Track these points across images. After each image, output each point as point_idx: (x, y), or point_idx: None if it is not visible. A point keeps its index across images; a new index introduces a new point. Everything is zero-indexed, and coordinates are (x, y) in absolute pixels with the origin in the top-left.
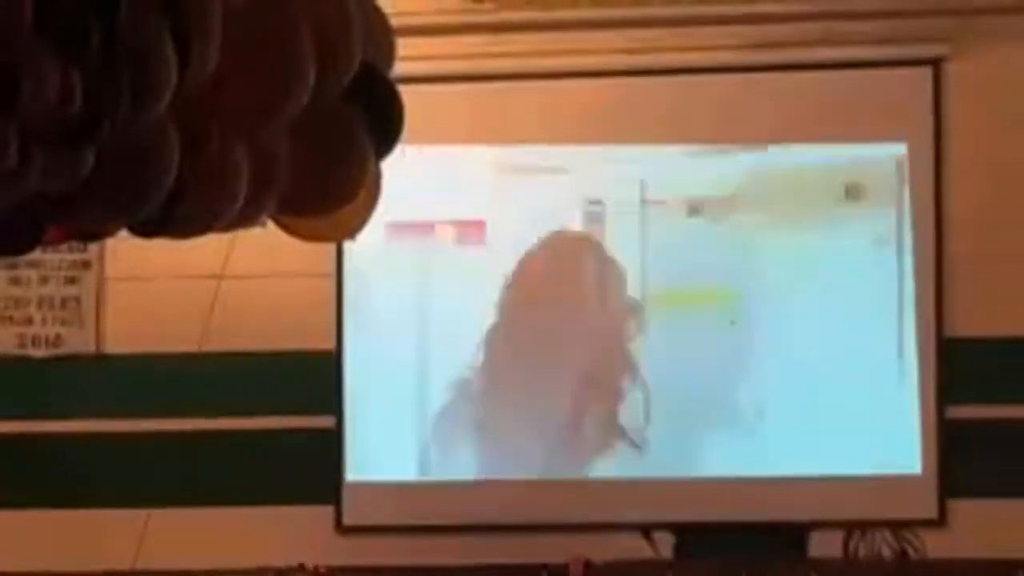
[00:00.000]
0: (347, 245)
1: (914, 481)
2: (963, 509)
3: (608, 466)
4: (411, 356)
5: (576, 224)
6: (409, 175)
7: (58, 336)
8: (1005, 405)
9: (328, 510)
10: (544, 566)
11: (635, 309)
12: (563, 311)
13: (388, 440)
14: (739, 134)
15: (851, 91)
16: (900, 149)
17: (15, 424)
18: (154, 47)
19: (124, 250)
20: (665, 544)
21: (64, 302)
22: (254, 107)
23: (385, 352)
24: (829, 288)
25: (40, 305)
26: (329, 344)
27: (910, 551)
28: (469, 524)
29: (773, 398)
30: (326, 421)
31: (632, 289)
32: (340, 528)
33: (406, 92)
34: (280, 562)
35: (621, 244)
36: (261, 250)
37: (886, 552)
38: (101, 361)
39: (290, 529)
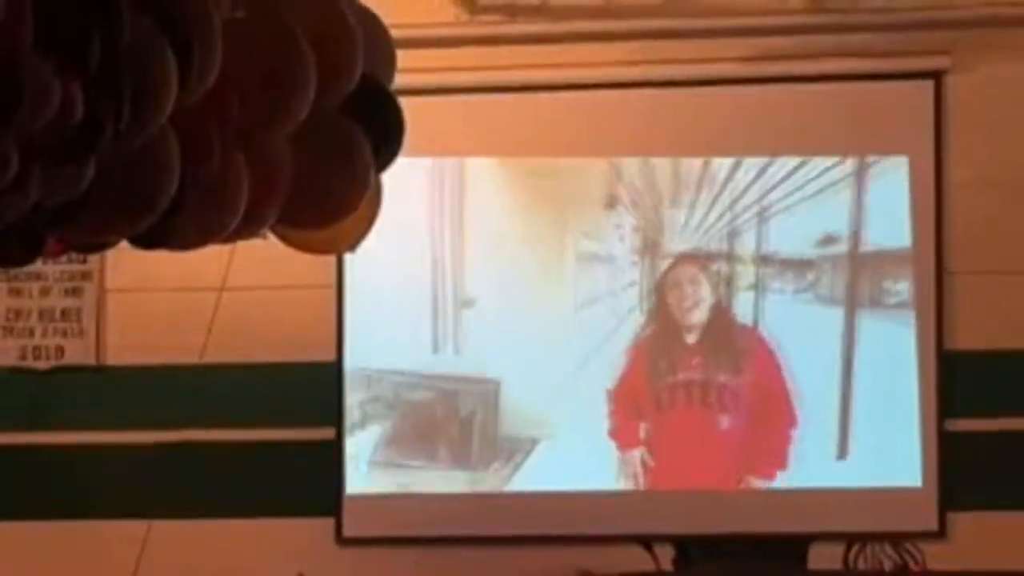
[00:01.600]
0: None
1: (914, 493)
2: (963, 521)
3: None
4: None
5: None
6: None
7: (59, 348)
8: (1005, 418)
9: (329, 522)
10: None
11: None
12: None
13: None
14: (741, 146)
15: (853, 104)
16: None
17: (16, 435)
18: (155, 60)
19: (125, 262)
20: (666, 556)
21: (65, 314)
22: (255, 119)
23: None
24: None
25: (41, 317)
26: (329, 355)
27: (910, 563)
28: (470, 536)
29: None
30: (327, 433)
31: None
32: (341, 540)
33: (407, 104)
34: (281, 574)
35: None
36: (262, 262)
37: (887, 564)
38: (102, 373)
39: (291, 541)
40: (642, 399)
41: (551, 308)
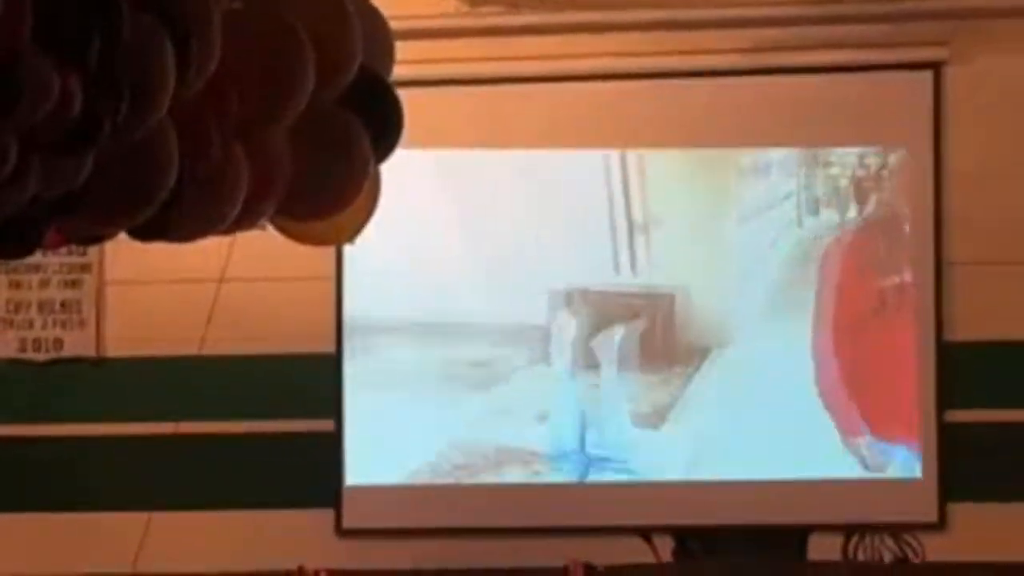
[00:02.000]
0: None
1: (914, 484)
2: (963, 512)
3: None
4: None
5: None
6: None
7: (58, 340)
8: (1004, 409)
9: (328, 513)
10: (544, 570)
11: None
12: None
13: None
14: (739, 138)
15: (851, 95)
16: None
17: (16, 427)
18: (154, 53)
19: (124, 253)
20: (665, 547)
21: (64, 305)
22: (254, 111)
23: None
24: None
25: (40, 309)
26: (329, 347)
27: (910, 554)
28: (469, 527)
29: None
30: (326, 424)
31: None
32: (340, 531)
33: (405, 96)
34: (280, 565)
35: None
36: (261, 253)
37: (886, 555)
38: (101, 364)
39: (290, 532)
40: (850, 303)
41: (718, 222)
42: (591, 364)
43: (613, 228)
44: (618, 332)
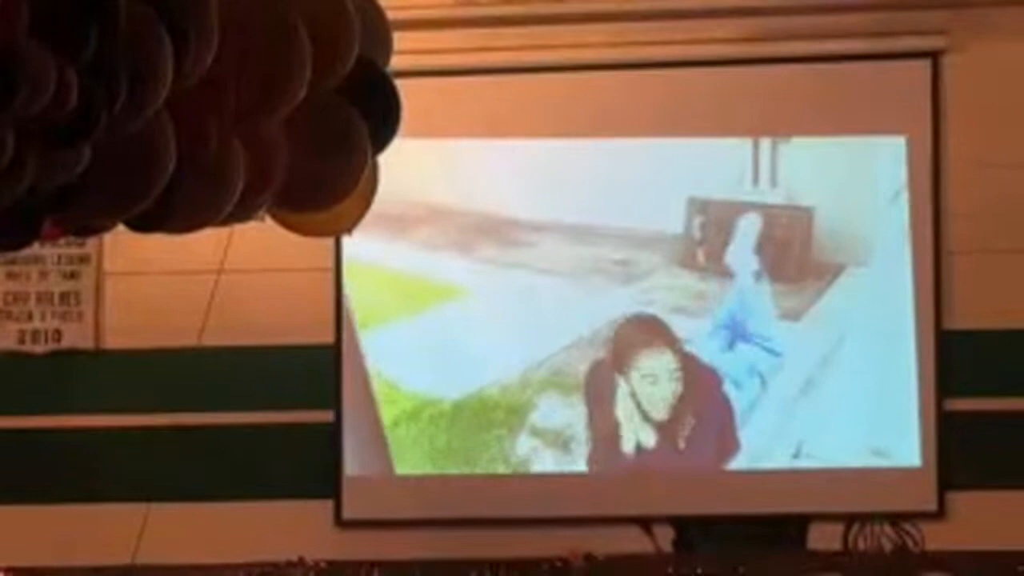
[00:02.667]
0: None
1: (913, 473)
2: (962, 501)
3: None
4: None
5: None
6: None
7: (57, 331)
8: (1004, 397)
9: (327, 504)
10: (544, 560)
11: None
12: None
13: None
14: (738, 127)
15: (850, 84)
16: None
17: (15, 419)
18: (151, 46)
19: (123, 245)
20: (665, 537)
21: (63, 297)
22: (251, 103)
23: None
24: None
25: (39, 300)
26: (328, 338)
27: (909, 543)
28: (469, 518)
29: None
30: (325, 415)
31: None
32: (340, 522)
33: (403, 86)
34: (280, 556)
35: None
36: (259, 245)
37: (886, 544)
38: (100, 356)
39: (290, 523)
40: None
41: (856, 143)
42: (727, 272)
43: (755, 143)
44: (753, 241)
